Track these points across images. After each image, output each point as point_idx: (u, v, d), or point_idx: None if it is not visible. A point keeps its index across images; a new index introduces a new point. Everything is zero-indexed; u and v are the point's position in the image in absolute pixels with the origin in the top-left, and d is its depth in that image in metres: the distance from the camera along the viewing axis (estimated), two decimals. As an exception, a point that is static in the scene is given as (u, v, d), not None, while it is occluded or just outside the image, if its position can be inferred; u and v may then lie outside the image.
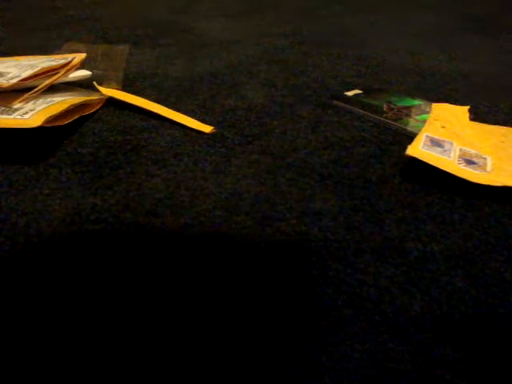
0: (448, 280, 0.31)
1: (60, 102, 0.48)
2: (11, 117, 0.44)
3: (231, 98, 0.58)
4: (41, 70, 0.51)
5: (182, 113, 0.53)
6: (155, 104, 0.54)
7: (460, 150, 0.45)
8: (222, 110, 0.54)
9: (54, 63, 0.53)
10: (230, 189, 0.40)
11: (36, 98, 0.48)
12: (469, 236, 0.36)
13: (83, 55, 0.57)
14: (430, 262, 0.32)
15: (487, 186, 0.40)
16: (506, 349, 0.26)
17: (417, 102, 0.58)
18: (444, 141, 0.46)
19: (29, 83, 0.50)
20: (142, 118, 0.52)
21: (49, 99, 0.48)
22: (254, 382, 0.25)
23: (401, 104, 0.57)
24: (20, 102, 0.47)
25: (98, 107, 0.53)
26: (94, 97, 0.53)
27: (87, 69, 0.58)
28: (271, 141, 0.48)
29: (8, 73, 0.51)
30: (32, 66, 0.52)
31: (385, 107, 0.56)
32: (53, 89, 0.51)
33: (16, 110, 0.45)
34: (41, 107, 0.46)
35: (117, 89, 0.57)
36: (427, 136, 0.47)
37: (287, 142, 0.48)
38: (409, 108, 0.56)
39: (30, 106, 0.46)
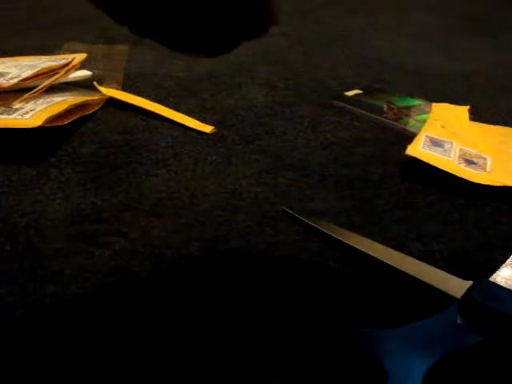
0: (448, 280, 0.31)
1: (60, 102, 0.48)
2: (11, 117, 0.44)
3: (231, 97, 0.58)
4: (41, 70, 0.51)
5: (182, 113, 0.53)
6: (155, 104, 0.54)
7: (460, 149, 0.45)
8: (222, 110, 0.54)
9: (54, 63, 0.53)
10: (230, 189, 0.40)
11: (36, 97, 0.48)
12: (469, 236, 0.36)
13: (83, 55, 0.57)
14: (429, 262, 0.32)
15: (487, 185, 0.40)
16: (506, 349, 0.26)
17: (417, 101, 0.58)
18: (444, 141, 0.46)
19: (29, 83, 0.50)
20: (142, 118, 0.52)
21: (49, 99, 0.48)
22: (251, 381, 0.25)
23: (401, 104, 0.57)
24: (20, 101, 0.47)
25: (97, 107, 0.53)
26: (94, 97, 0.53)
27: (87, 69, 0.58)
28: (271, 141, 0.48)
29: (8, 73, 0.51)
30: (32, 66, 0.52)
31: (385, 107, 0.56)
32: (53, 89, 0.51)
33: (16, 109, 0.45)
34: (41, 107, 0.46)
35: (117, 89, 0.56)
36: (427, 136, 0.47)
37: (287, 142, 0.48)
38: (409, 108, 0.56)
39: (30, 106, 0.46)
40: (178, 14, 0.19)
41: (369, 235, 0.35)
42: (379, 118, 0.53)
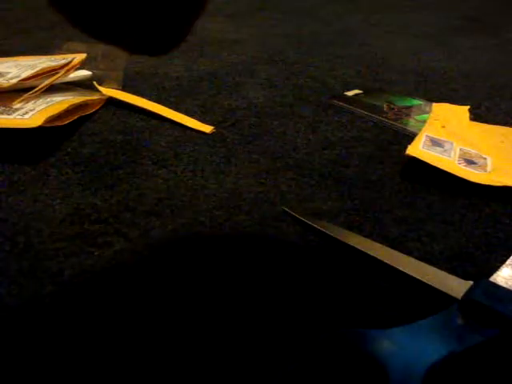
0: (448, 280, 0.31)
1: (60, 102, 0.48)
2: (11, 117, 0.44)
3: (231, 97, 0.58)
4: (41, 70, 0.51)
5: (182, 113, 0.53)
6: (155, 104, 0.54)
7: (460, 149, 0.45)
8: (222, 110, 0.54)
9: (53, 63, 0.53)
10: (230, 189, 0.40)
11: (36, 97, 0.48)
12: (469, 236, 0.36)
13: (83, 55, 0.57)
14: (430, 262, 0.32)
15: (487, 185, 0.40)
16: (507, 349, 0.26)
17: (417, 101, 0.58)
18: (444, 141, 0.46)
19: (29, 83, 0.50)
20: (142, 118, 0.52)
21: (49, 99, 0.48)
22: (251, 381, 0.25)
23: (401, 104, 0.57)
24: (20, 101, 0.47)
25: (97, 107, 0.53)
26: (94, 97, 0.53)
27: (87, 69, 0.58)
28: (271, 141, 0.48)
29: (8, 73, 0.51)
30: (32, 66, 0.52)
31: (385, 107, 0.56)
32: (53, 89, 0.51)
33: (16, 110, 0.45)
34: (41, 107, 0.46)
35: (117, 89, 0.56)
36: (427, 136, 0.47)
37: (287, 142, 0.48)
38: (409, 108, 0.56)
39: (30, 106, 0.46)
40: (123, 11, 0.17)
41: (369, 235, 0.35)
42: (379, 117, 0.53)
